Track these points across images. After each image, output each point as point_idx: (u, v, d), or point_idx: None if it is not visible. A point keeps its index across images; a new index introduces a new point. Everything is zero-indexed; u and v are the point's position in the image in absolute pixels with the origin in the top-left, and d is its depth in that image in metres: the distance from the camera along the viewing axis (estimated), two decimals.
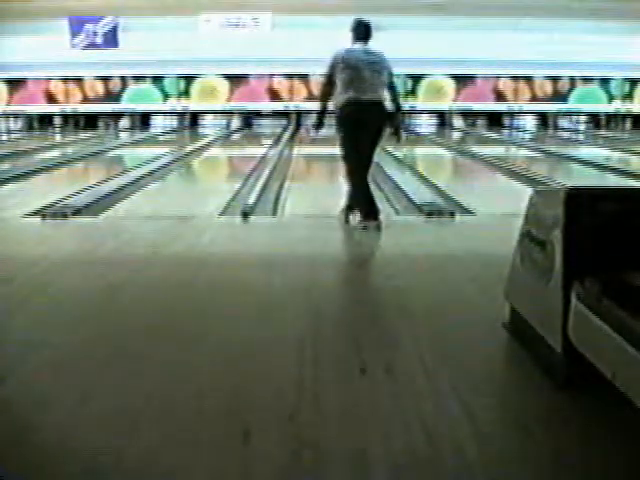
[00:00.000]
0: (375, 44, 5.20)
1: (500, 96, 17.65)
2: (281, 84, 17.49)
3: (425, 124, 17.41)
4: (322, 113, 5.21)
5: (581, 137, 16.48)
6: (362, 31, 5.16)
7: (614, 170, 9.44)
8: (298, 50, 16.28)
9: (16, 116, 17.83)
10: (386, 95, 5.12)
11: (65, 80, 17.47)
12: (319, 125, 5.25)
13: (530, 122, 18.07)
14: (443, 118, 17.85)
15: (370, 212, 5.02)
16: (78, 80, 17.45)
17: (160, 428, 2.07)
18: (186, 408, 2.20)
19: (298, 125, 16.99)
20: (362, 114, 4.98)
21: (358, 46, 5.13)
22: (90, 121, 17.75)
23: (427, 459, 1.90)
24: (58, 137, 16.66)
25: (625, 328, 1.89)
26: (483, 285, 3.52)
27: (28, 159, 11.08)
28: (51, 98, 17.57)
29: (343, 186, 5.33)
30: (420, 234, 5.07)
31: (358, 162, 5.07)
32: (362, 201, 5.06)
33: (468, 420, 2.10)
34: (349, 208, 5.19)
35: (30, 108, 17.59)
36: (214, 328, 2.95)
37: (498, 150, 13.26)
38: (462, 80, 17.49)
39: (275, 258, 4.27)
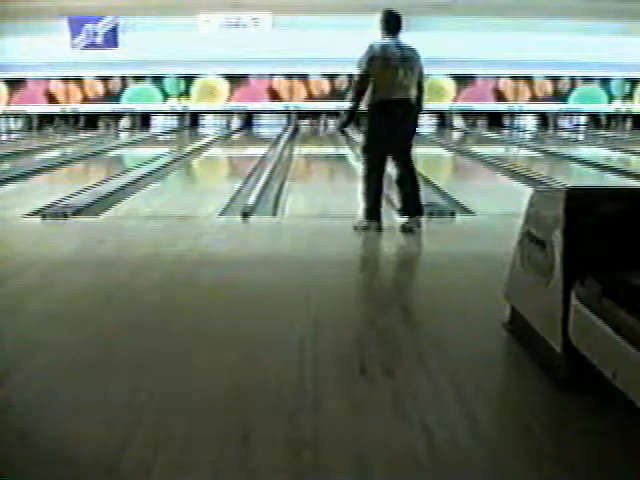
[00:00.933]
0: None
1: (500, 96, 17.67)
2: (281, 84, 17.50)
3: (425, 124, 17.41)
4: (353, 112, 4.93)
5: (581, 137, 16.48)
6: (394, 24, 4.85)
7: (614, 170, 9.44)
8: (298, 50, 16.29)
9: (16, 116, 17.85)
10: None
11: (65, 80, 17.48)
12: (347, 124, 5.08)
13: (530, 122, 18.08)
14: (443, 118, 17.87)
15: (373, 212, 5.00)
16: (78, 80, 17.47)
17: (160, 428, 2.07)
18: (186, 408, 2.20)
19: (298, 125, 17.01)
20: (393, 113, 4.82)
21: (389, 40, 4.85)
22: (90, 121, 17.77)
23: (427, 459, 1.90)
24: (58, 137, 16.66)
25: (625, 328, 1.89)
26: (483, 285, 3.52)
27: (28, 159, 11.08)
28: (51, 98, 17.58)
29: (343, 186, 5.31)
30: (420, 234, 5.06)
31: (379, 162, 4.95)
32: (369, 201, 5.01)
33: (468, 420, 2.10)
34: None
35: (30, 108, 17.61)
36: (214, 328, 2.95)
37: (498, 150, 13.26)
38: (462, 80, 17.51)
39: (275, 258, 4.27)
